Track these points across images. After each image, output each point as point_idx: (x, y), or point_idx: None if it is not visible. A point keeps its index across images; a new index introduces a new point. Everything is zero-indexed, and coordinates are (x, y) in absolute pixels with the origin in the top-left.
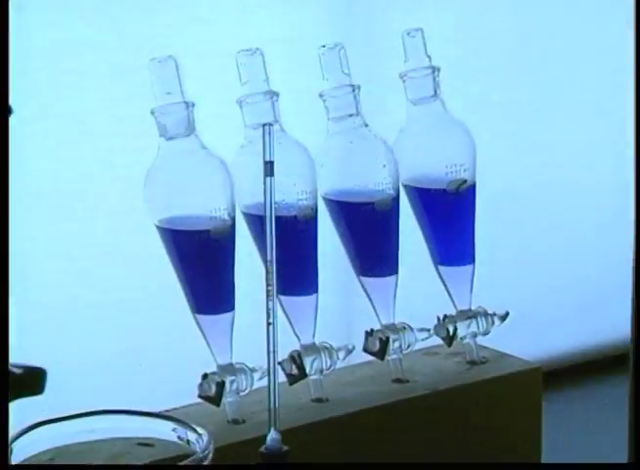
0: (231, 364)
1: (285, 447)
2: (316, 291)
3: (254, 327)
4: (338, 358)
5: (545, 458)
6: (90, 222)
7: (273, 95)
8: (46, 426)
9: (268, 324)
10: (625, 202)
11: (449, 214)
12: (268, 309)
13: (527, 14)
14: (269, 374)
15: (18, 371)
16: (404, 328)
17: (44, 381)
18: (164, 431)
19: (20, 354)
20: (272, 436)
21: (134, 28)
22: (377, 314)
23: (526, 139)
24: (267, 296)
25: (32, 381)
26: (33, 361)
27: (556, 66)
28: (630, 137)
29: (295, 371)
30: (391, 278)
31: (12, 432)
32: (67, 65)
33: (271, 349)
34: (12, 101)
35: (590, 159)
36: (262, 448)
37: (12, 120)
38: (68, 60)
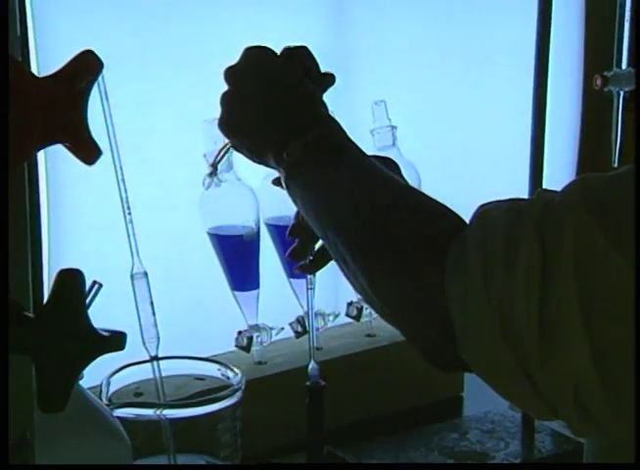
0: (257, 324)
1: (323, 382)
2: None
3: (272, 300)
4: (329, 320)
5: (465, 389)
6: (164, 234)
7: None
8: (134, 367)
9: (308, 290)
10: None
11: None
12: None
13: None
14: (310, 331)
15: (105, 333)
16: None
17: (124, 340)
18: (212, 370)
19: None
20: (312, 366)
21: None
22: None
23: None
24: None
25: (116, 340)
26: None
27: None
28: None
29: (299, 329)
30: None
31: (107, 372)
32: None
33: (310, 312)
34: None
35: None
36: (308, 383)
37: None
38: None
